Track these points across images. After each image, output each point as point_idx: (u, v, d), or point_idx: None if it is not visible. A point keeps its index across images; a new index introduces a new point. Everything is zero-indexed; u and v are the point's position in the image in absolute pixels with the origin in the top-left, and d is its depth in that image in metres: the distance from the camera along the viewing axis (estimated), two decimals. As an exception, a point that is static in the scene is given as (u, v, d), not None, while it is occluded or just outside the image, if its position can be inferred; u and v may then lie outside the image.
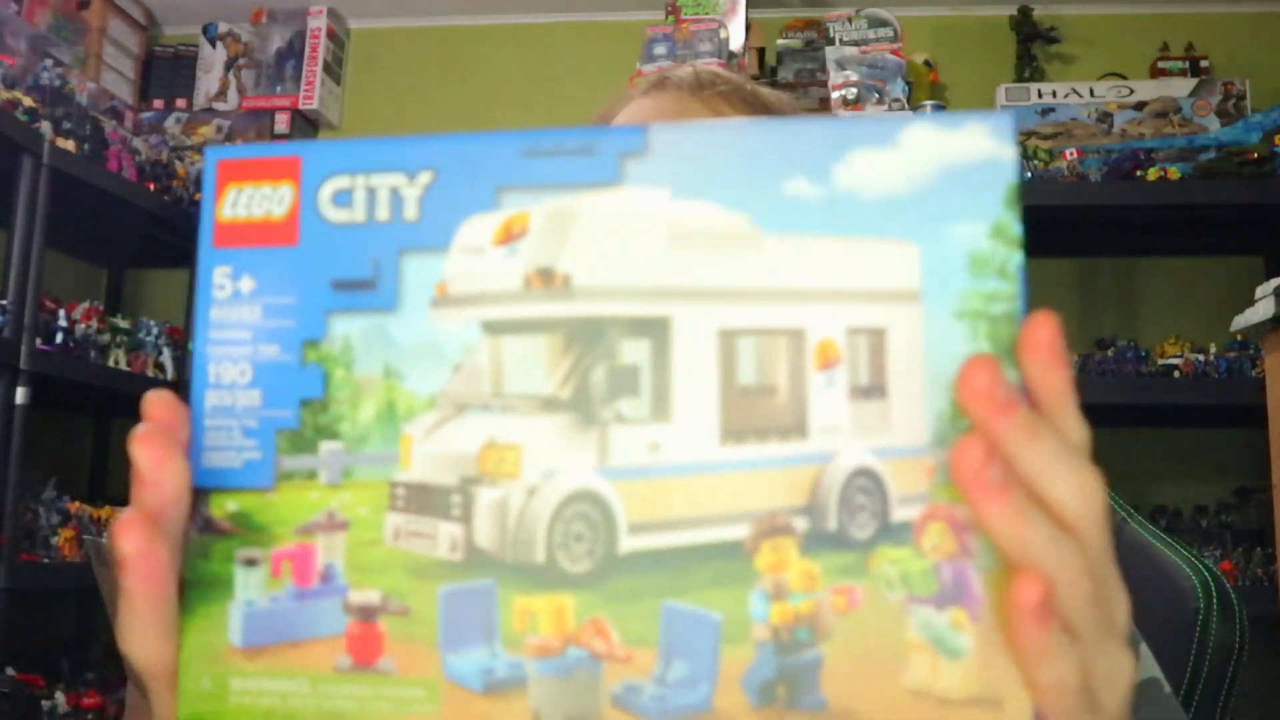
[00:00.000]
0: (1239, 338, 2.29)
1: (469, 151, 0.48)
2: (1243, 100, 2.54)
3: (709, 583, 0.45)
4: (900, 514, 0.45)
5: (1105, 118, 2.55)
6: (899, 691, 0.43)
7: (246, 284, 0.49)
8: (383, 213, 0.48)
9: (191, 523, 0.49)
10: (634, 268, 0.46)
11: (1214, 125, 2.46)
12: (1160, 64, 2.73)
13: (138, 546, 0.46)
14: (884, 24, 3.01)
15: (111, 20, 2.98)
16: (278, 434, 0.48)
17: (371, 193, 0.48)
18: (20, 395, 2.33)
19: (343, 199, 0.49)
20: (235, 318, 0.49)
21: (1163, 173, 2.34)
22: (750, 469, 0.45)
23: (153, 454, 0.46)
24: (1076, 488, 0.42)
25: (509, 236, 0.48)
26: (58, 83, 2.50)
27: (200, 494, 0.49)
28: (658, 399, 0.46)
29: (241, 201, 0.49)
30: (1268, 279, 2.16)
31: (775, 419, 0.46)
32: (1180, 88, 2.56)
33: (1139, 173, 2.36)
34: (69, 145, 2.45)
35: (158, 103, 3.39)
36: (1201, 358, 2.36)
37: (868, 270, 0.45)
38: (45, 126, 2.38)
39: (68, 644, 3.02)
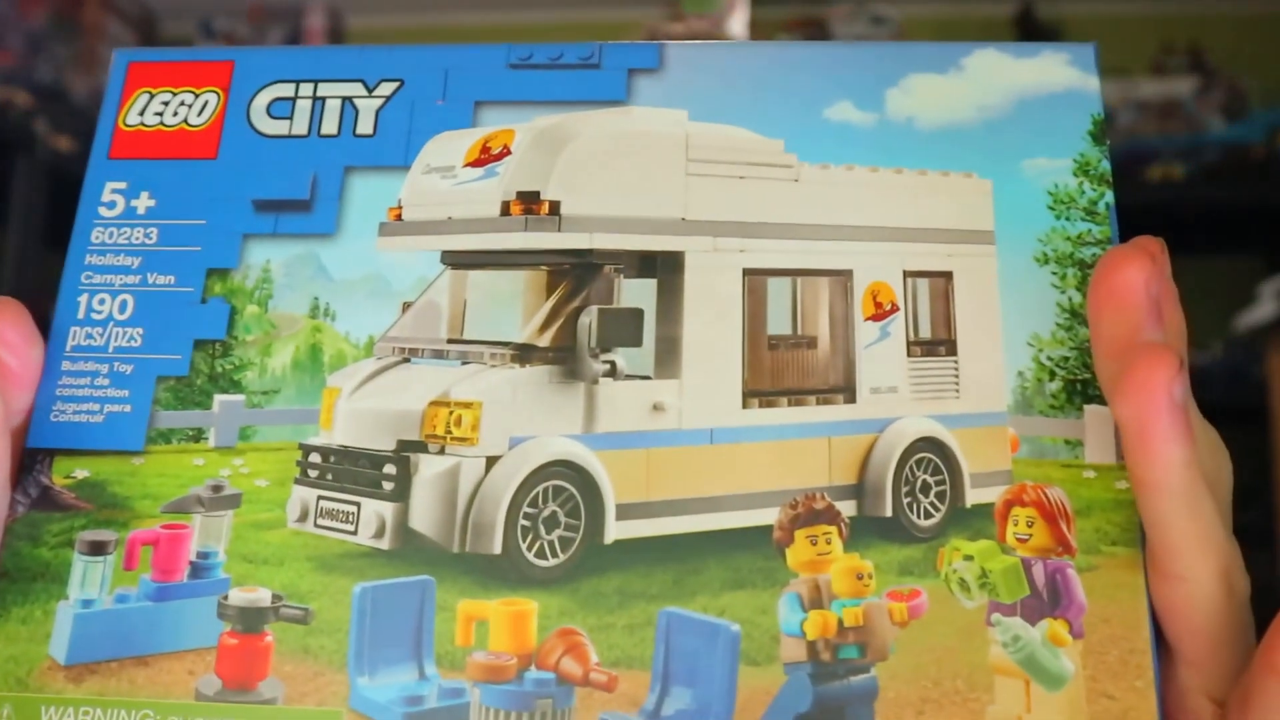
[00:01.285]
0: (1242, 337, 2.22)
1: (443, 61, 0.39)
2: (1246, 99, 2.46)
3: (724, 583, 0.34)
4: (975, 496, 0.34)
5: (1108, 117, 2.61)
6: None
7: (144, 201, 0.39)
8: (330, 125, 0.39)
9: (20, 494, 0.36)
10: (640, 195, 0.38)
11: (1217, 124, 2.38)
12: (1163, 62, 2.63)
13: None
14: (885, 20, 2.98)
15: (108, 18, 2.94)
16: (159, 382, 0.37)
17: (319, 103, 0.39)
18: None
19: (281, 109, 0.39)
20: (124, 240, 0.39)
21: (1166, 172, 2.28)
22: (781, 438, 0.35)
23: None
24: (1211, 447, 0.32)
25: (487, 156, 0.39)
26: (54, 80, 2.44)
27: (40, 456, 0.36)
28: (665, 350, 0.36)
29: (152, 108, 0.40)
30: (1271, 278, 2.11)
31: (814, 377, 0.36)
32: (1183, 86, 2.47)
33: (1142, 172, 2.29)
34: (66, 143, 2.37)
35: None
36: (1205, 357, 2.25)
37: (929, 205, 0.37)
38: (42, 125, 2.31)
39: None
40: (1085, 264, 0.36)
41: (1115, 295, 0.31)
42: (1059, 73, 0.38)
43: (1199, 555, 0.30)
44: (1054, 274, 0.36)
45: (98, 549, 0.35)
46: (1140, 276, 0.31)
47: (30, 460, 0.36)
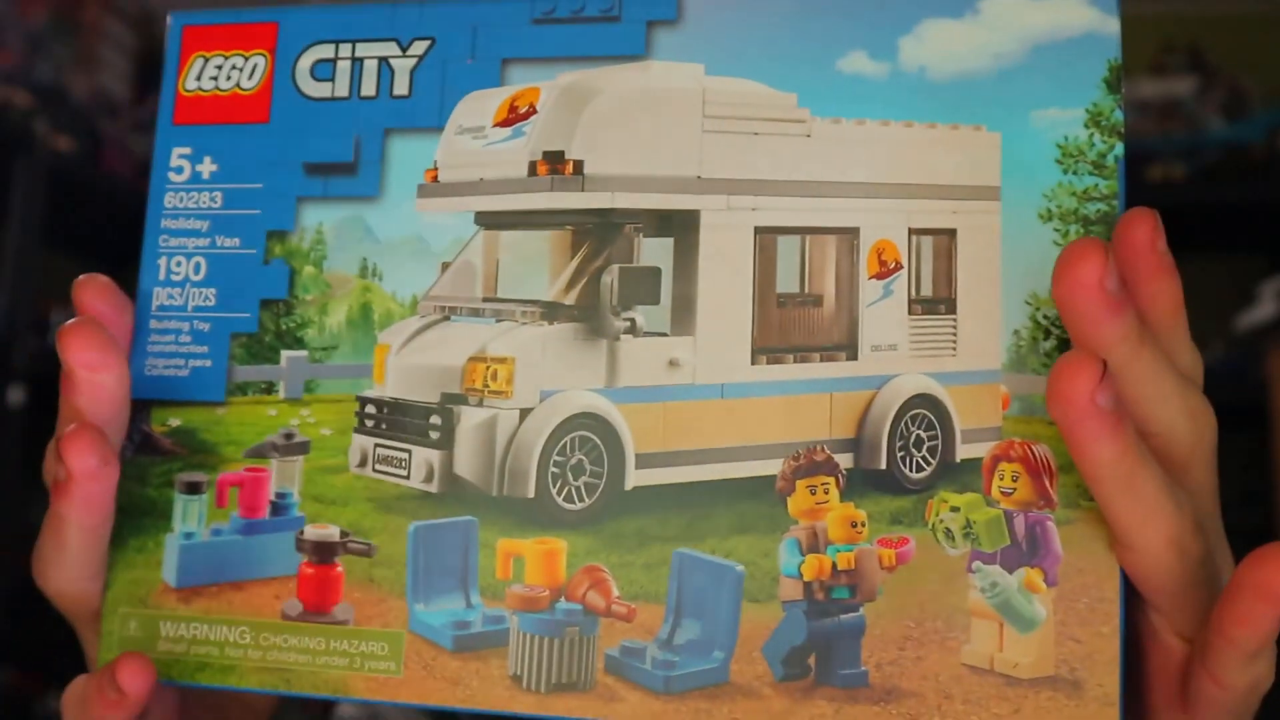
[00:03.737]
0: (1242, 337, 2.25)
1: (471, 17, 0.41)
2: (1246, 99, 2.47)
3: (731, 528, 0.37)
4: (965, 451, 0.37)
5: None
6: (955, 668, 0.35)
7: (208, 166, 0.43)
8: (369, 87, 0.41)
9: (127, 440, 0.41)
10: (658, 154, 0.39)
11: (1217, 124, 2.40)
12: (1163, 62, 2.61)
13: (89, 467, 0.37)
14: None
15: (108, 18, 2.97)
16: (233, 339, 0.41)
17: (357, 64, 0.42)
18: (15, 395, 2.25)
19: (324, 71, 0.42)
20: (193, 204, 0.42)
21: (1166, 172, 2.29)
22: (786, 394, 0.38)
23: (89, 353, 0.38)
24: (1189, 412, 0.34)
25: (514, 116, 0.41)
26: (53, 81, 2.45)
27: (140, 407, 0.42)
28: (680, 308, 0.39)
29: (207, 73, 0.43)
30: (1271, 278, 2.15)
31: (819, 335, 0.38)
32: (1183, 86, 2.49)
33: (1142, 172, 2.27)
34: (66, 143, 2.39)
35: (155, 101, 3.35)
36: (1205, 357, 2.29)
37: (936, 160, 0.38)
38: (41, 125, 2.31)
39: (66, 644, 2.95)
40: (1089, 220, 0.37)
41: (1071, 293, 0.32)
42: (1078, 13, 0.37)
43: (1143, 529, 0.32)
44: (1056, 230, 0.37)
45: (194, 488, 0.41)
46: (1093, 275, 0.32)
47: (133, 410, 0.41)
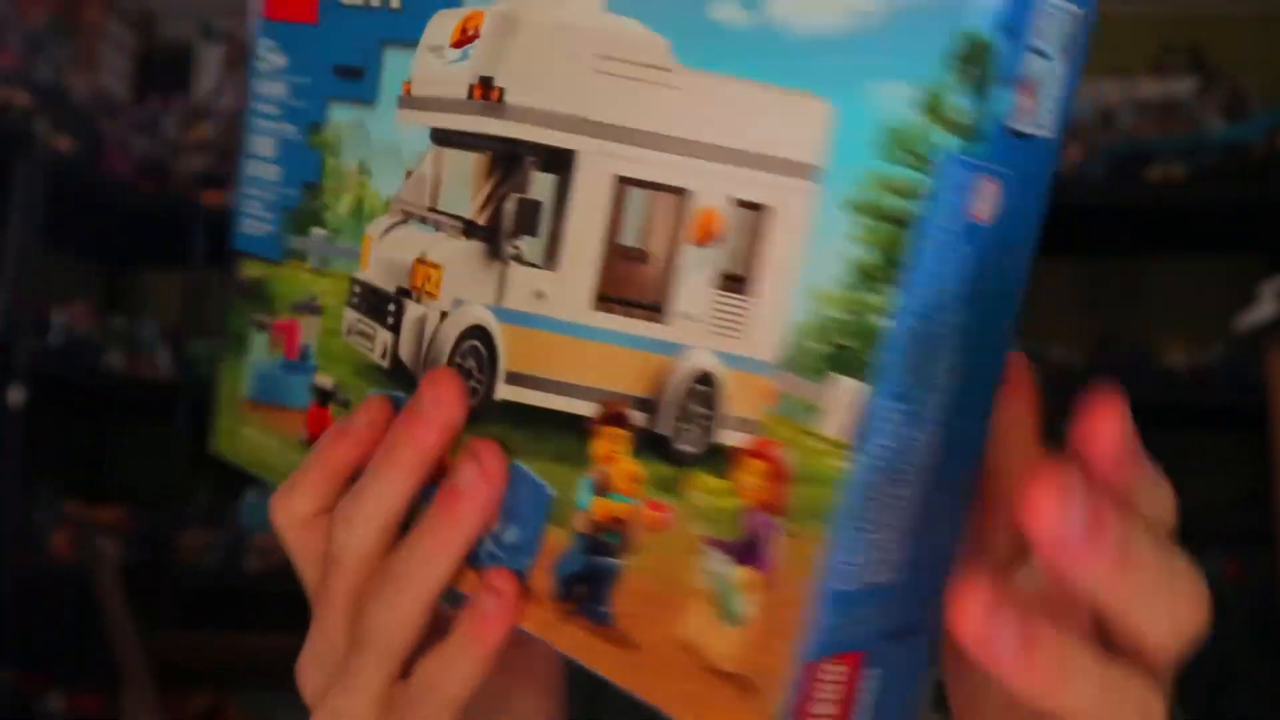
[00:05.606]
0: (1242, 337, 2.34)
1: None
2: (1246, 99, 2.55)
3: (553, 454, 0.40)
4: (727, 438, 0.36)
5: (1108, 117, 2.54)
6: (672, 638, 0.37)
7: (279, 59, 0.51)
8: None
9: (234, 281, 0.53)
10: (557, 90, 0.41)
11: (1217, 124, 2.50)
12: (1163, 62, 2.69)
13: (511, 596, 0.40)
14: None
15: (108, 18, 2.87)
16: (283, 211, 0.51)
17: None
18: (15, 395, 2.29)
19: None
20: (270, 92, 0.51)
21: (1166, 172, 2.40)
22: (613, 343, 0.39)
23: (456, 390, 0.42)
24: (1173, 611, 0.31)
25: (464, 38, 0.44)
26: (54, 81, 2.44)
27: (238, 256, 0.53)
28: (551, 243, 0.41)
29: None
30: (1271, 278, 2.24)
31: (642, 292, 0.38)
32: (1183, 86, 2.58)
33: (1142, 172, 2.41)
34: (66, 143, 2.39)
35: (155, 101, 3.21)
36: (1205, 357, 2.35)
37: (766, 128, 0.35)
38: (41, 125, 2.32)
39: (66, 644, 2.76)
40: (886, 218, 0.32)
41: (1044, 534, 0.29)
42: None
43: None
44: (852, 224, 0.33)
45: (261, 327, 0.52)
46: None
47: (232, 259, 0.53)
